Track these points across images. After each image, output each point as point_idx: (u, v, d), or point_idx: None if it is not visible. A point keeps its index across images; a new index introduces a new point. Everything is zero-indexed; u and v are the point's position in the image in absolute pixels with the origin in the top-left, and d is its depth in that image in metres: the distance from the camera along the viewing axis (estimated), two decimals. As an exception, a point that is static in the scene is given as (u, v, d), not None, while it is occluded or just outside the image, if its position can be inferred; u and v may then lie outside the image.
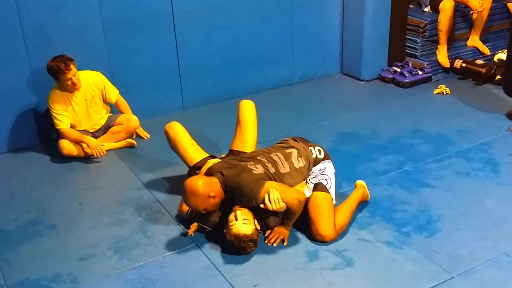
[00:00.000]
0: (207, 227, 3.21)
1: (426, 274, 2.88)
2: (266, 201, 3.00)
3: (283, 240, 3.16)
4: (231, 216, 3.07)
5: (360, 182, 3.54)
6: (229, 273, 2.95)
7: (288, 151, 3.29)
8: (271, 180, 3.10)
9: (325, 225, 3.13)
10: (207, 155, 3.53)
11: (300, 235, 3.24)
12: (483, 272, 2.89)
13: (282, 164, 3.21)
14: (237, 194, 3.06)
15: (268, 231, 3.20)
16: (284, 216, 3.16)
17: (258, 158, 3.21)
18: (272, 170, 3.15)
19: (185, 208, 3.30)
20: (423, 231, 3.24)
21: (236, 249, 3.04)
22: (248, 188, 3.02)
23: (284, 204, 3.02)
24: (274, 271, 2.96)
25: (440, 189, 3.68)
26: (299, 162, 3.26)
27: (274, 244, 3.13)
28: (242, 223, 3.03)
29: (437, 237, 3.19)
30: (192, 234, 3.18)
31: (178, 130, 3.60)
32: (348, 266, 2.97)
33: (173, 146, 3.62)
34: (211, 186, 3.02)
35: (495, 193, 3.61)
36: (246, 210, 3.10)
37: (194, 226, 3.19)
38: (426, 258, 3.00)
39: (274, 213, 3.16)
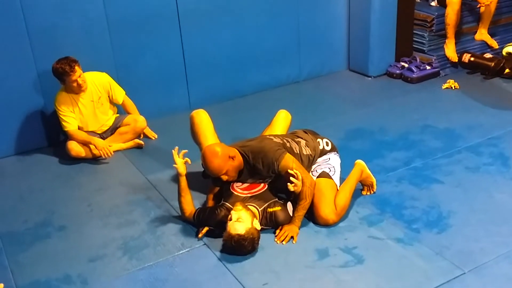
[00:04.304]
0: (216, 230, 3.18)
1: (437, 271, 2.86)
2: (291, 163, 3.15)
3: (292, 238, 3.15)
4: (228, 218, 3.03)
5: (358, 161, 3.55)
6: (238, 271, 2.94)
7: (297, 140, 3.43)
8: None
9: (326, 208, 3.22)
10: None
11: (309, 232, 3.23)
12: (495, 268, 2.86)
13: (292, 146, 3.34)
14: (260, 156, 3.17)
15: (277, 230, 3.19)
16: (296, 203, 3.19)
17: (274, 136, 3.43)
18: (288, 145, 3.30)
19: (190, 212, 3.29)
20: (434, 227, 3.22)
21: (232, 248, 3.00)
22: (272, 151, 3.18)
23: (303, 175, 3.14)
24: (284, 269, 2.95)
25: (450, 184, 3.66)
26: (306, 151, 3.39)
27: (284, 242, 3.12)
28: (235, 221, 2.98)
29: (448, 233, 3.16)
30: (200, 237, 3.18)
31: (203, 118, 3.64)
32: (358, 263, 2.95)
33: (194, 133, 3.64)
34: (229, 149, 3.19)
35: (506, 188, 3.58)
36: (244, 210, 3.04)
37: (204, 230, 3.18)
38: (437, 254, 2.98)
39: (285, 202, 3.24)
